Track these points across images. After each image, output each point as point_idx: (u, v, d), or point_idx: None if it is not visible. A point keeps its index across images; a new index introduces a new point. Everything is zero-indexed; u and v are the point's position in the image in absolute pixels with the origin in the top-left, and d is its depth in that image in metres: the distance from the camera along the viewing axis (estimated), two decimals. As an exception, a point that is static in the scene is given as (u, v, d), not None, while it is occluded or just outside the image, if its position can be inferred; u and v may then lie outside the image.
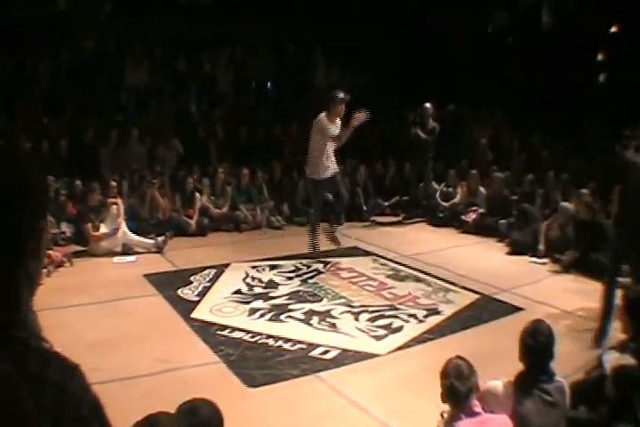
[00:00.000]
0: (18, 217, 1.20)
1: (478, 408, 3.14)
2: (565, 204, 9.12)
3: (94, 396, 1.22)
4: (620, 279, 7.75)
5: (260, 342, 5.88)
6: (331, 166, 8.24)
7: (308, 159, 8.30)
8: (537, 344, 3.50)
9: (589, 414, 3.60)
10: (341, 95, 7.99)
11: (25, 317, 1.21)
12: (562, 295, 7.37)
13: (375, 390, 4.99)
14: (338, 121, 8.12)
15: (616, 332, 5.58)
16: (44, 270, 6.89)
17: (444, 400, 3.23)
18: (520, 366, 3.60)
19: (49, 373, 1.15)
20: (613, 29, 15.51)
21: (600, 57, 15.96)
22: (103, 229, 8.95)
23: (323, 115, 8.05)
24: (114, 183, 9.56)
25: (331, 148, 8.17)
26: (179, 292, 7.26)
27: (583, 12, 15.20)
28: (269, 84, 15.00)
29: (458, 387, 3.14)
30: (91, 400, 1.21)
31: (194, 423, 2.60)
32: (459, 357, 3.34)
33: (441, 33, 15.46)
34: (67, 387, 1.16)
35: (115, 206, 9.11)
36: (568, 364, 4.36)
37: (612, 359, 3.89)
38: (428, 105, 11.28)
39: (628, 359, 3.76)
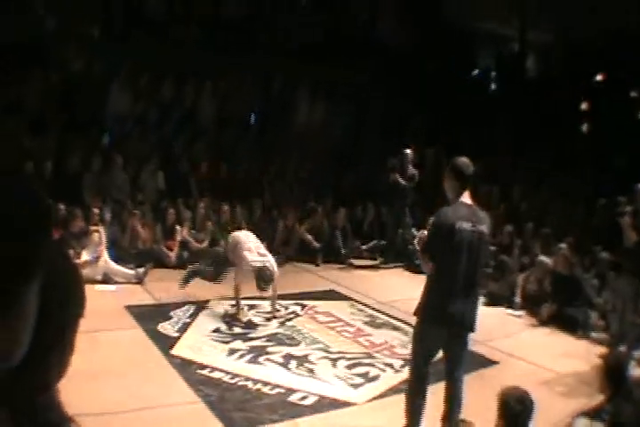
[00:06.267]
0: (32, 241, 1.29)
1: None
2: (543, 258, 9.24)
3: None
4: (595, 334, 7.93)
5: (240, 383, 5.89)
6: None
7: None
8: (525, 410, 3.59)
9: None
10: None
11: None
12: (537, 350, 7.45)
13: (352, 440, 5.03)
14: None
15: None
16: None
17: None
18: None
19: None
20: (599, 78, 15.78)
21: (584, 106, 16.19)
22: (85, 256, 8.96)
23: None
24: (96, 210, 9.59)
25: None
26: (159, 326, 7.27)
27: (568, 60, 15.47)
28: (252, 117, 15.08)
29: None
30: None
31: None
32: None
33: (425, 78, 15.74)
34: None
35: (96, 234, 9.14)
36: (541, 422, 4.43)
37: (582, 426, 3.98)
38: (408, 151, 11.36)
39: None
